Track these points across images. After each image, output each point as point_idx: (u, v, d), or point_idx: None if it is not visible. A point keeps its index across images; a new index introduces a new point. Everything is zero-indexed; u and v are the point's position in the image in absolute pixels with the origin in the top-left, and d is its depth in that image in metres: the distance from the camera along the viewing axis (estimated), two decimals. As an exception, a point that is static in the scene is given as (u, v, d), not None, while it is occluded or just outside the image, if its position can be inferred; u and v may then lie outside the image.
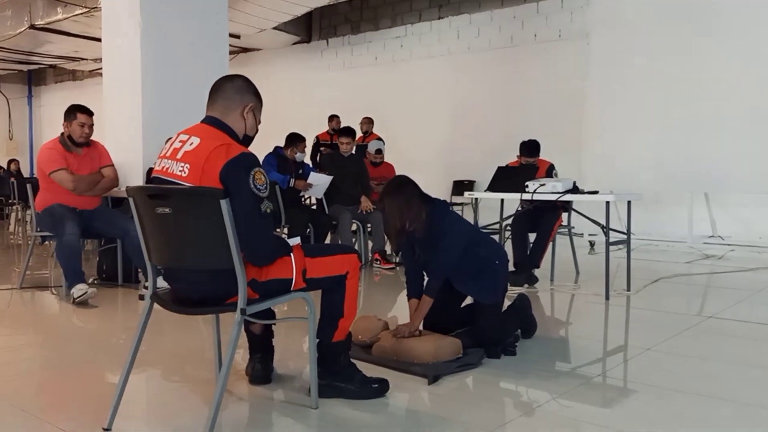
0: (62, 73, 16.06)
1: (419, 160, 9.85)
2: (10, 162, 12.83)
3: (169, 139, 2.30)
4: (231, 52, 9.17)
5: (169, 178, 2.16)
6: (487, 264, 3.15)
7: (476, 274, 3.10)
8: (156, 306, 2.27)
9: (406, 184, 3.06)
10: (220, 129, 2.24)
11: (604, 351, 3.38)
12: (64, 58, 13.25)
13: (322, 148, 8.99)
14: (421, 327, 3.08)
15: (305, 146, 6.07)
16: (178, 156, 2.16)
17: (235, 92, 2.30)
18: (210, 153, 2.10)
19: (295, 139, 5.97)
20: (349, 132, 6.31)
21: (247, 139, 2.36)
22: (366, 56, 11.18)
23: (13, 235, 9.39)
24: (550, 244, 5.12)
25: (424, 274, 3.16)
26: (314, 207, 6.64)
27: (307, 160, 6.84)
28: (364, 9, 11.19)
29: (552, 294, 4.80)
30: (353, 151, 6.42)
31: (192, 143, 2.16)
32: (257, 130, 2.40)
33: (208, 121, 2.28)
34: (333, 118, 9.52)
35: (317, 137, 9.11)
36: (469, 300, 3.30)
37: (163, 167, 2.21)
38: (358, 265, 2.48)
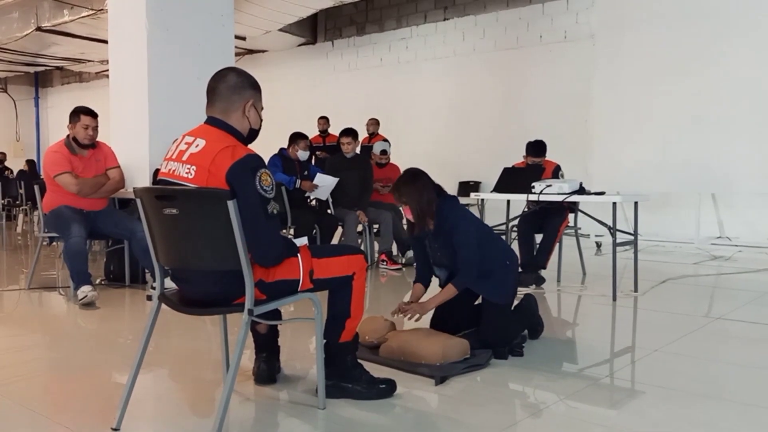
0: (69, 74, 16.12)
1: (425, 161, 9.73)
2: (27, 162, 12.87)
3: (175, 140, 2.30)
4: (237, 54, 9.15)
5: (175, 181, 2.16)
6: (498, 264, 3.16)
7: (487, 273, 3.10)
8: (163, 307, 2.27)
9: (421, 173, 3.14)
10: (224, 130, 2.23)
11: (611, 352, 3.37)
12: (70, 59, 13.30)
13: (318, 152, 8.98)
14: (428, 326, 3.09)
15: (307, 144, 6.07)
16: (184, 158, 2.16)
17: (231, 92, 2.26)
18: (216, 155, 2.10)
19: (296, 138, 5.99)
20: (349, 132, 6.31)
21: (254, 133, 2.34)
22: (371, 58, 11.18)
23: (21, 237, 9.43)
24: (557, 245, 5.11)
25: (435, 270, 3.22)
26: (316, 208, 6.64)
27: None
28: (370, 10, 11.20)
29: (559, 295, 4.79)
30: (357, 151, 6.42)
31: (198, 145, 2.16)
32: (262, 120, 2.35)
33: (212, 122, 2.26)
34: (320, 119, 9.49)
35: (310, 141, 9.11)
36: (476, 300, 3.30)
37: (169, 169, 2.21)
38: (365, 266, 2.49)
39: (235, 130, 2.26)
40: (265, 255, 2.17)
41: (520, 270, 4.68)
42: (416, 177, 3.11)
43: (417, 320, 3.08)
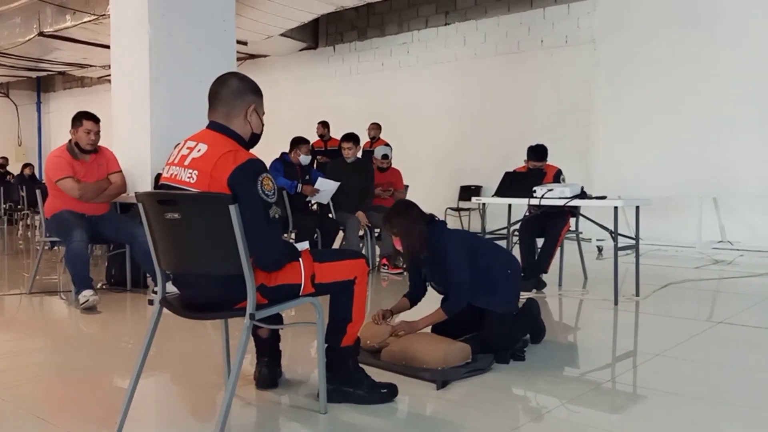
0: (71, 79, 16.17)
1: (426, 166, 9.87)
2: (24, 167, 12.86)
3: (177, 145, 2.30)
4: (238, 59, 9.17)
5: (177, 185, 2.17)
6: (501, 275, 3.19)
7: (492, 288, 3.14)
8: (165, 311, 2.27)
9: (411, 205, 3.18)
10: (226, 135, 2.24)
11: (613, 356, 3.37)
12: (72, 64, 13.35)
13: (318, 157, 8.97)
14: (429, 330, 3.09)
15: (309, 149, 6.07)
16: (186, 163, 2.17)
17: (234, 96, 2.27)
18: (218, 160, 2.11)
19: (298, 142, 5.99)
20: (351, 137, 6.32)
21: (256, 138, 2.34)
22: (372, 62, 11.21)
23: (22, 241, 9.44)
24: (558, 249, 5.11)
25: (428, 286, 3.25)
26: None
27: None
28: (371, 15, 11.22)
29: (560, 299, 4.78)
30: (359, 156, 6.42)
31: (200, 150, 2.17)
32: (264, 125, 2.36)
33: (214, 126, 2.26)
34: (318, 124, 9.47)
35: (312, 145, 9.10)
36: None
37: (171, 174, 2.21)
38: (366, 270, 2.49)
39: (237, 134, 2.26)
40: (267, 259, 2.18)
41: (521, 274, 4.70)
42: (407, 209, 3.16)
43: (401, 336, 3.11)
